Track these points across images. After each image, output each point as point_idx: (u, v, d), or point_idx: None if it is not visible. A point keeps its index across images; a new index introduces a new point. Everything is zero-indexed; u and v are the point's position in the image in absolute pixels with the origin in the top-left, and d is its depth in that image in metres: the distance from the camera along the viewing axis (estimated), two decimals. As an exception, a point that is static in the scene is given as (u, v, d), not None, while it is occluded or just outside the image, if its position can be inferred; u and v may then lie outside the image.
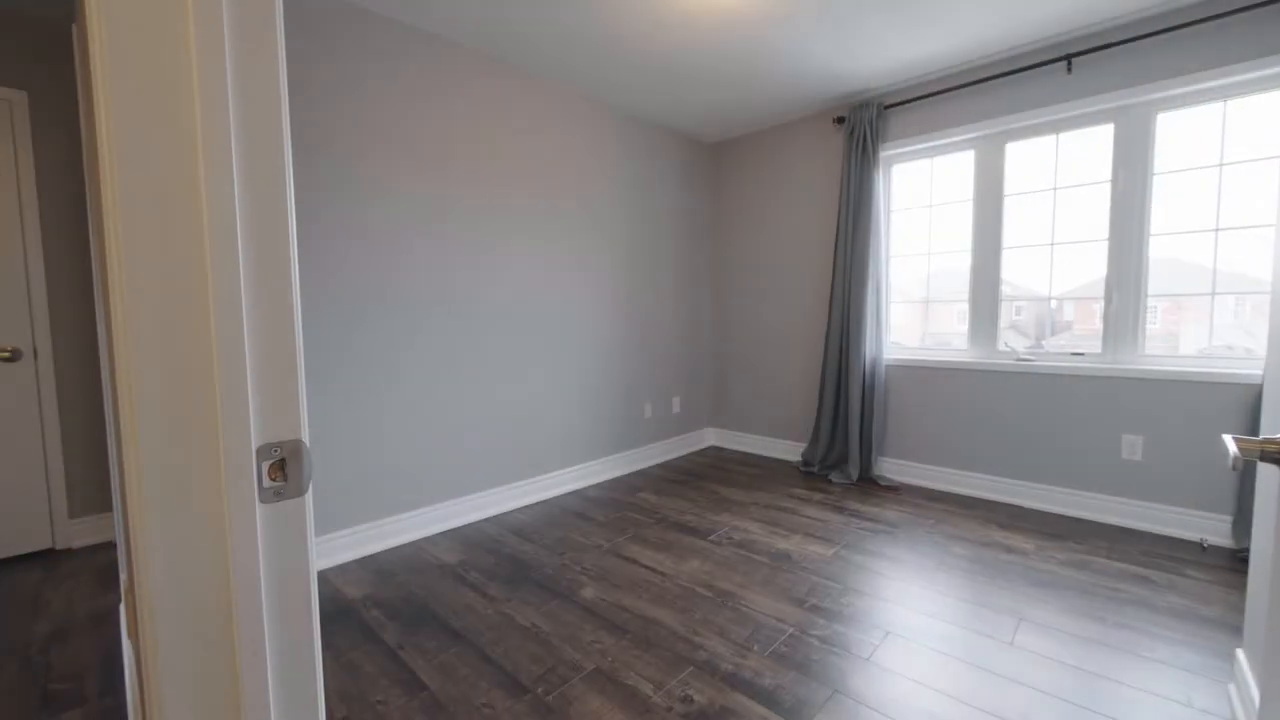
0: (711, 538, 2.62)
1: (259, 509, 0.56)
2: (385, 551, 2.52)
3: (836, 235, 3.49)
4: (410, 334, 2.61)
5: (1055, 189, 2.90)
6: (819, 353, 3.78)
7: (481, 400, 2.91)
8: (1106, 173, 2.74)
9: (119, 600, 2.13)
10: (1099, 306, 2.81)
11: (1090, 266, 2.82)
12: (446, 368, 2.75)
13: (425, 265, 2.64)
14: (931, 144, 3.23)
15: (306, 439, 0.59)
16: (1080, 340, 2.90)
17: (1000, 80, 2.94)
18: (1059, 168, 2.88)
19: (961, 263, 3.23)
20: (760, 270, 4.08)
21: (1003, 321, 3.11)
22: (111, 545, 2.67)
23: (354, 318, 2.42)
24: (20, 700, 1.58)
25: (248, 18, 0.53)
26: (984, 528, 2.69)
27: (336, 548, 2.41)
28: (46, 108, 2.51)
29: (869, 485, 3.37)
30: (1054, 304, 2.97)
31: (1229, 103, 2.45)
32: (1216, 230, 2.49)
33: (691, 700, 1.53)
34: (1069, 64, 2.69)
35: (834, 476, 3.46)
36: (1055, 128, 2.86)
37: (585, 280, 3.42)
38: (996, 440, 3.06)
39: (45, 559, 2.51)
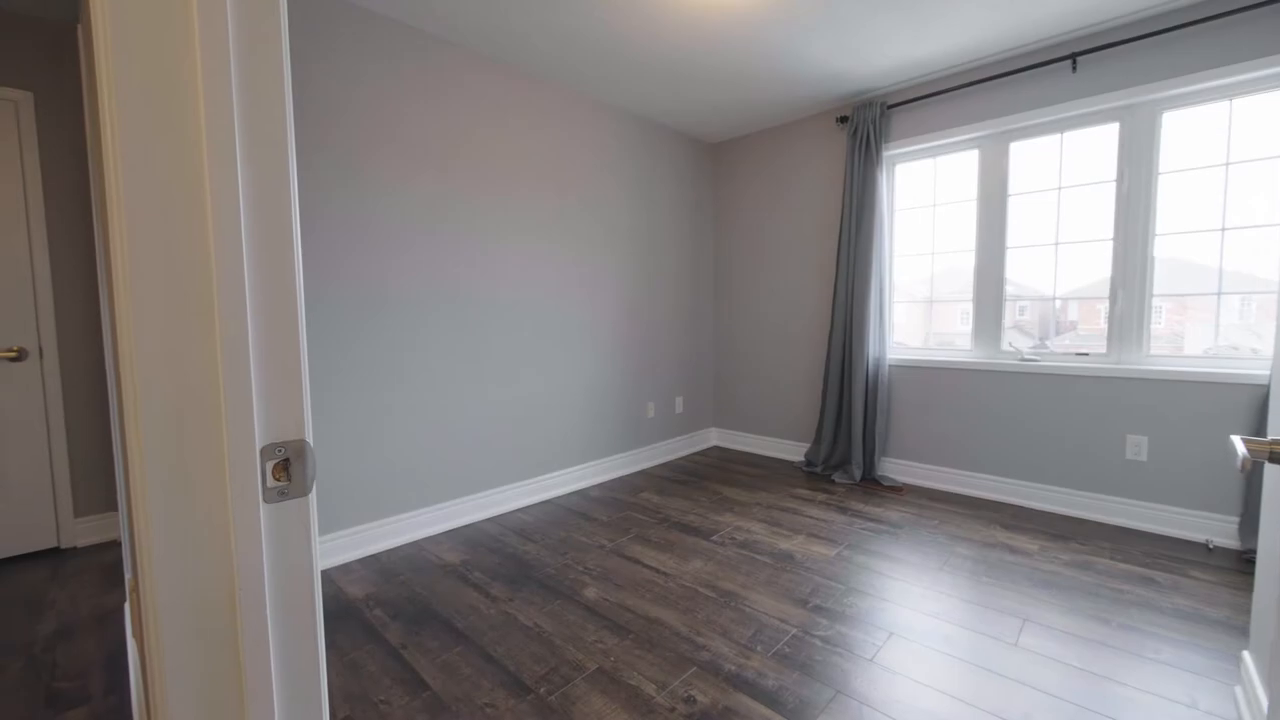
0: (714, 538, 2.61)
1: (263, 509, 0.56)
2: (388, 551, 2.52)
3: (840, 235, 3.48)
4: (412, 334, 2.61)
5: (1060, 188, 2.88)
6: (822, 352, 3.78)
7: (484, 400, 2.91)
8: (1111, 172, 2.73)
9: (124, 599, 2.14)
10: (1103, 306, 2.80)
11: (1095, 266, 2.81)
12: (449, 367, 2.75)
13: (427, 265, 2.64)
14: (935, 143, 3.22)
15: (310, 439, 0.59)
16: (1084, 340, 2.89)
17: (1004, 79, 2.93)
18: (1063, 167, 2.87)
19: (965, 262, 3.22)
20: (763, 270, 4.07)
21: (1006, 321, 3.10)
22: (116, 544, 2.68)
23: (356, 318, 2.43)
24: (26, 699, 1.59)
25: (252, 18, 0.53)
26: (988, 528, 2.68)
27: (339, 547, 2.41)
28: (52, 108, 2.52)
29: (872, 486, 3.36)
30: (1058, 304, 2.96)
31: (1234, 101, 2.44)
32: (1222, 230, 2.48)
33: (694, 701, 1.53)
34: (1074, 63, 2.67)
35: (837, 477, 3.45)
36: (1060, 127, 2.85)
37: (588, 280, 3.42)
38: (1000, 440, 3.05)
39: (51, 558, 2.52)
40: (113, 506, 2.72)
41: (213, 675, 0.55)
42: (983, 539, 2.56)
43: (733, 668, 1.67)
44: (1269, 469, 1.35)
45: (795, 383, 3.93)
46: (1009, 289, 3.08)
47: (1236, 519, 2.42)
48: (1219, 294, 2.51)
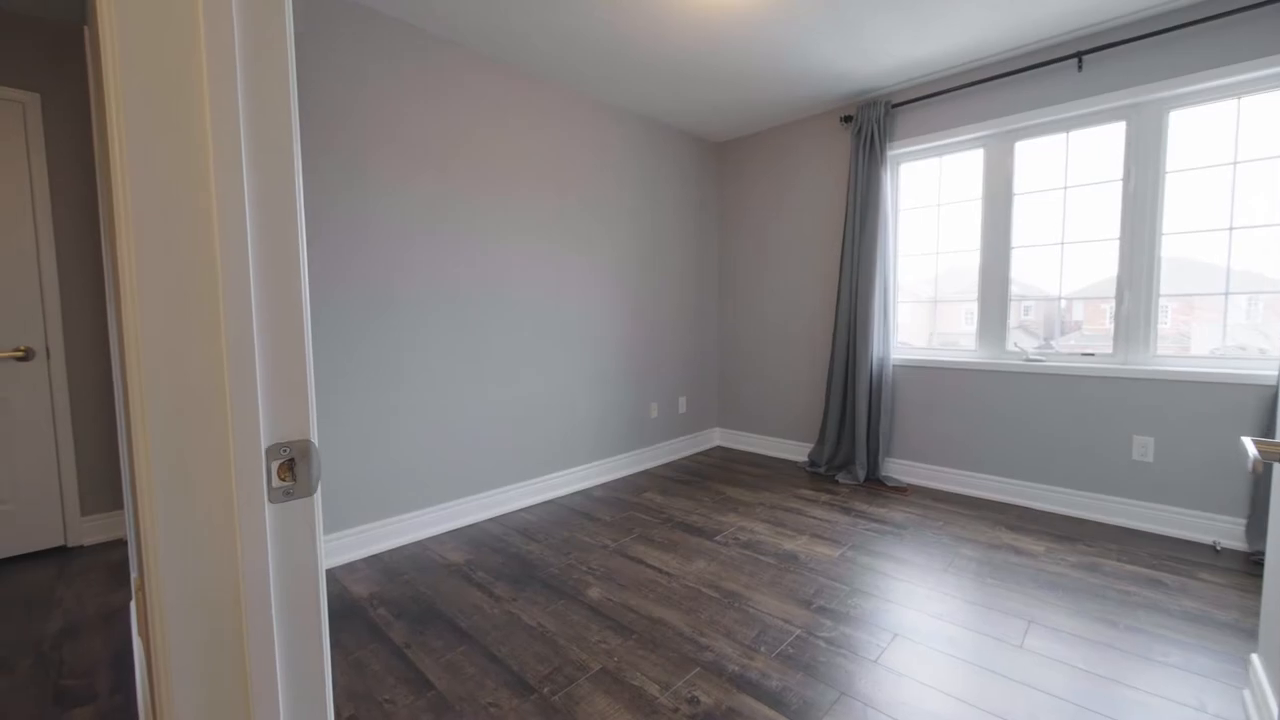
0: (718, 538, 2.61)
1: (268, 509, 0.56)
2: (392, 550, 2.53)
3: (844, 235, 3.47)
4: (416, 334, 2.61)
5: (1065, 188, 2.87)
6: (826, 353, 3.77)
7: (487, 400, 2.91)
8: (1118, 171, 2.71)
9: (130, 598, 2.15)
10: (1109, 306, 2.78)
11: (1101, 266, 2.79)
12: (452, 368, 2.76)
13: (431, 265, 2.65)
14: (940, 143, 3.21)
15: (315, 439, 0.59)
16: (1090, 340, 2.87)
17: (1010, 78, 2.92)
18: (1069, 166, 2.85)
19: (970, 262, 3.20)
20: (767, 269, 4.07)
21: (1011, 321, 3.08)
22: (122, 542, 2.70)
23: (361, 319, 2.43)
24: (34, 696, 1.60)
25: (257, 20, 0.53)
26: (992, 529, 2.67)
27: (344, 546, 2.42)
28: (59, 109, 2.54)
29: (876, 486, 3.35)
30: (1063, 304, 2.94)
31: (1242, 100, 2.42)
32: (1230, 229, 2.46)
33: (698, 701, 1.53)
34: (1080, 61, 2.66)
35: (841, 477, 3.44)
36: (1065, 126, 2.84)
37: (591, 280, 3.42)
38: (1005, 441, 3.04)
39: (57, 556, 2.53)
40: (119, 505, 2.74)
41: (218, 674, 0.55)
42: (988, 540, 2.54)
43: (736, 668, 1.66)
44: (1278, 470, 1.34)
45: (799, 382, 3.93)
46: (1014, 289, 3.07)
47: (1244, 521, 2.40)
48: (1226, 294, 2.49)
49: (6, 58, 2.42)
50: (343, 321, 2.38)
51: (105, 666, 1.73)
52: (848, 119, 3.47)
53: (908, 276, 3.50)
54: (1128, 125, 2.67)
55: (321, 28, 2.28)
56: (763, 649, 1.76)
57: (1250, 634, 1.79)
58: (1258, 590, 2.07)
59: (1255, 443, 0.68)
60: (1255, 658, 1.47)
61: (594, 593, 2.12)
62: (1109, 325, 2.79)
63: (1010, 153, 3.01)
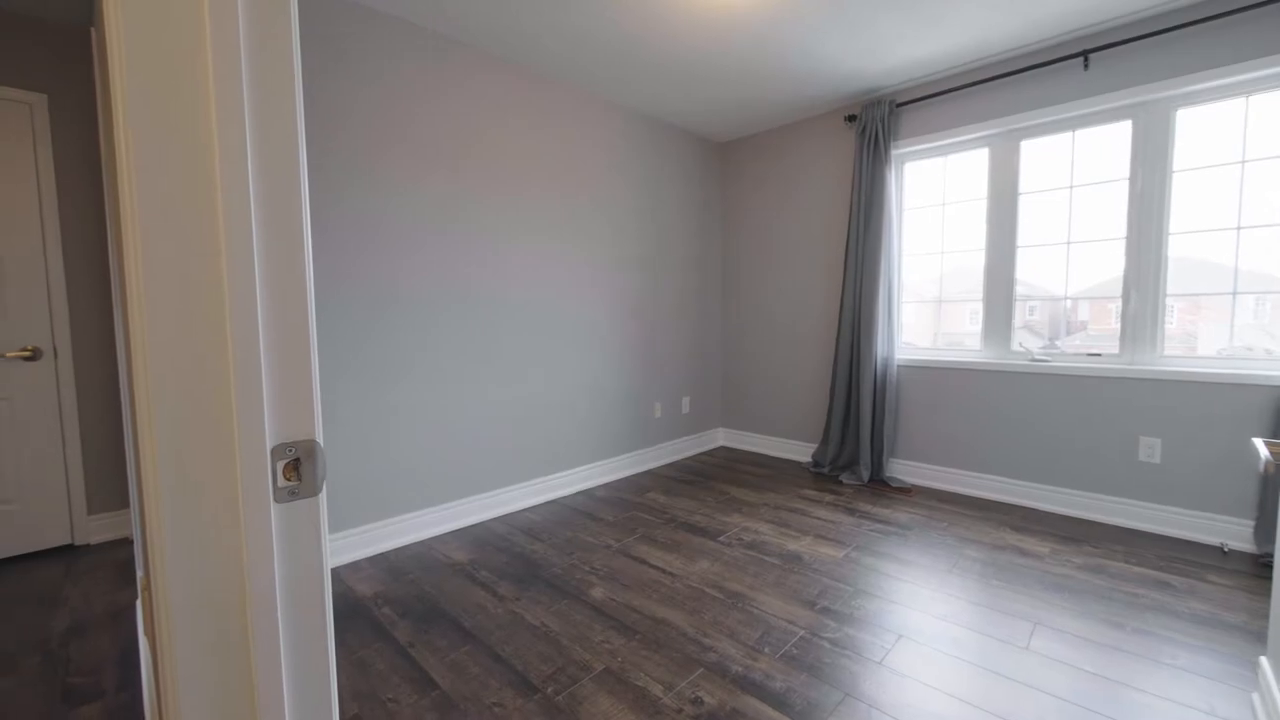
0: (721, 538, 2.61)
1: (273, 508, 0.56)
2: (396, 550, 2.53)
3: (848, 234, 3.46)
4: (422, 334, 2.62)
5: (1071, 187, 2.85)
6: (830, 353, 3.76)
7: (491, 399, 2.92)
8: (1124, 170, 2.69)
9: (136, 596, 2.16)
10: (1115, 306, 2.77)
11: (1107, 266, 2.77)
12: (458, 367, 2.76)
13: (435, 265, 2.65)
14: (945, 142, 3.19)
15: (321, 439, 0.59)
16: (1095, 340, 2.85)
17: (1015, 77, 2.90)
18: (1075, 165, 2.84)
19: (975, 262, 3.19)
20: (771, 269, 4.06)
21: (1016, 321, 3.07)
22: (129, 541, 2.71)
23: (367, 318, 2.44)
24: (41, 694, 1.61)
25: (263, 20, 0.53)
26: (998, 530, 2.65)
27: (349, 545, 2.43)
28: (66, 110, 2.56)
29: (880, 487, 3.34)
30: (1068, 304, 2.93)
31: (1251, 98, 2.40)
32: (1238, 228, 2.44)
33: (702, 702, 1.52)
34: (1086, 60, 2.64)
35: (845, 478, 3.43)
36: (1071, 125, 2.82)
37: (595, 279, 3.42)
38: (1010, 442, 3.02)
39: (64, 554, 2.55)
40: (125, 504, 2.75)
41: (224, 673, 0.55)
42: (992, 541, 2.53)
43: (740, 669, 1.66)
44: (1287, 472, 1.32)
45: (803, 383, 3.92)
46: (1019, 289, 3.05)
47: (1252, 522, 2.39)
48: (1234, 293, 2.47)
49: (14, 60, 2.43)
50: (349, 321, 2.39)
51: (112, 664, 1.74)
52: (852, 118, 3.46)
53: (912, 276, 3.48)
54: (1134, 124, 2.65)
55: (330, 28, 2.28)
56: (767, 650, 1.75)
57: (1259, 636, 1.78)
58: (1266, 592, 2.06)
59: (1267, 444, 0.68)
60: (1264, 660, 1.46)
61: (597, 593, 2.12)
62: (1115, 325, 2.77)
63: (1015, 152, 3.00)
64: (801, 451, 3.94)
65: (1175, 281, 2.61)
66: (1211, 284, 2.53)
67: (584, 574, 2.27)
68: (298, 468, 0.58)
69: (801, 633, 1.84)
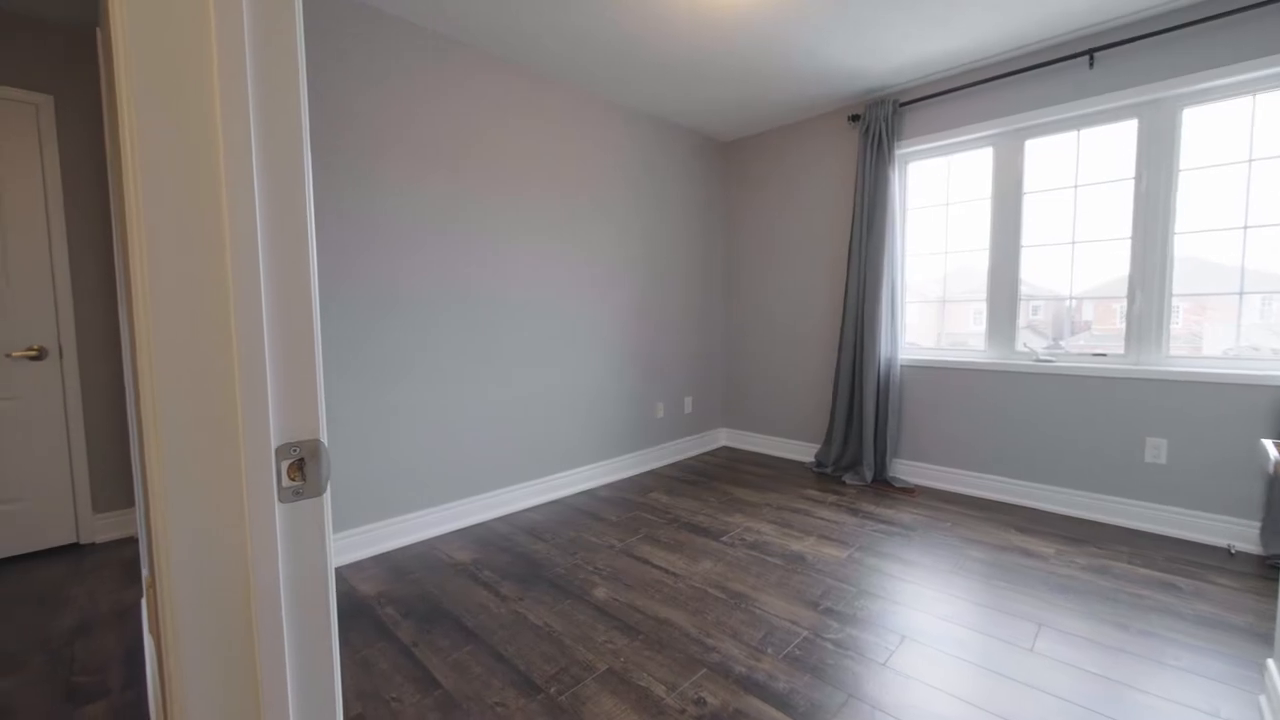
0: (724, 539, 2.60)
1: (278, 508, 0.56)
2: (399, 549, 2.54)
3: (851, 234, 3.46)
4: (423, 334, 2.62)
5: (1076, 186, 2.84)
6: (833, 353, 3.75)
7: (494, 400, 2.92)
8: (1130, 169, 2.68)
9: (141, 594, 2.17)
10: (1119, 306, 2.75)
11: (1112, 265, 2.76)
12: (459, 367, 2.77)
13: (438, 265, 2.66)
14: (949, 141, 3.18)
15: (325, 439, 0.60)
16: (1099, 340, 2.84)
17: (1020, 76, 2.89)
18: (1080, 165, 2.83)
19: (979, 262, 3.18)
20: (774, 269, 4.05)
21: (1020, 321, 3.06)
22: (134, 539, 2.72)
23: (367, 318, 2.44)
24: (47, 692, 1.62)
25: (267, 21, 0.53)
26: (1002, 531, 2.64)
27: (352, 545, 2.43)
28: (71, 110, 2.57)
29: (884, 487, 3.33)
30: (1072, 304, 2.91)
31: (1257, 97, 2.39)
32: (1245, 228, 2.43)
33: (705, 703, 1.52)
34: (1091, 59, 2.63)
35: (848, 478, 3.42)
36: (1076, 124, 2.81)
37: (598, 279, 3.42)
38: (1014, 442, 3.01)
39: (70, 553, 2.56)
40: (131, 503, 2.76)
41: (228, 672, 0.55)
42: (997, 542, 2.52)
43: (743, 670, 1.66)
44: (1295, 473, 1.31)
45: (805, 383, 3.91)
46: (1023, 289, 3.04)
47: (1259, 524, 2.37)
48: (1240, 293, 2.46)
49: (20, 61, 2.44)
50: (350, 321, 2.39)
51: (117, 663, 1.75)
52: (855, 118, 3.46)
53: (915, 276, 3.47)
54: (1140, 123, 2.64)
55: (332, 28, 2.29)
56: (770, 650, 1.75)
57: (1265, 639, 1.77)
58: (1273, 594, 2.04)
59: (1277, 445, 0.67)
60: (1271, 663, 1.45)
61: (600, 593, 2.12)
62: (1119, 325, 2.76)
63: (1020, 151, 2.99)
64: (804, 452, 3.93)
65: (1181, 281, 2.59)
66: (1218, 284, 2.51)
67: (587, 574, 2.27)
68: (302, 467, 0.58)
69: (805, 633, 1.84)
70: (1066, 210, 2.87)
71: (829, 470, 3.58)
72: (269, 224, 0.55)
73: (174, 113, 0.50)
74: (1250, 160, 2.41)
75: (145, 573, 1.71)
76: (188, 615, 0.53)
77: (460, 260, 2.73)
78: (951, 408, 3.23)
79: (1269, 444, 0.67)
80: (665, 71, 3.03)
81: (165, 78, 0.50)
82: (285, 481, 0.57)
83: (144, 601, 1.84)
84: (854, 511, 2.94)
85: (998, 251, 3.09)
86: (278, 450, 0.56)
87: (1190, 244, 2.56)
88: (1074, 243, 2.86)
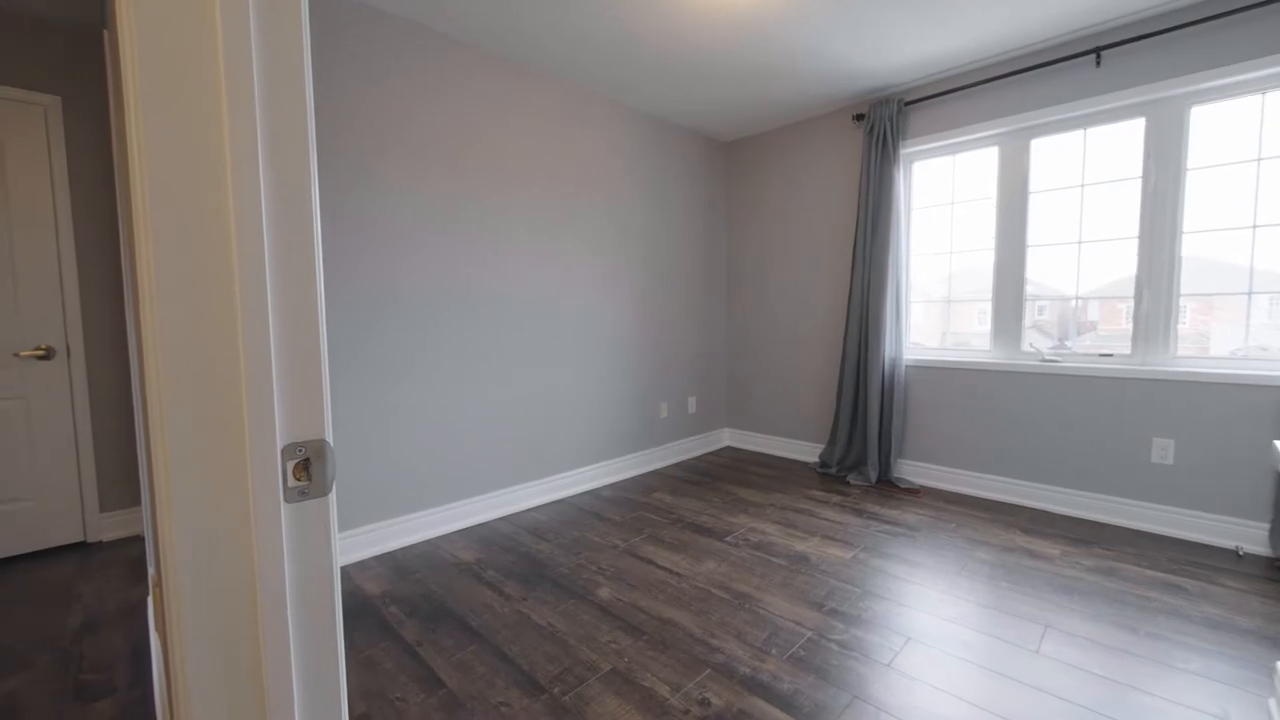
0: (728, 539, 2.60)
1: (284, 508, 0.56)
2: (403, 549, 2.55)
3: (855, 234, 3.45)
4: (426, 333, 2.63)
5: (1083, 185, 2.82)
6: (837, 353, 3.74)
7: (497, 399, 2.92)
8: (1137, 168, 2.66)
9: (147, 593, 2.18)
10: (1125, 306, 2.73)
11: (1118, 265, 2.74)
12: (461, 367, 2.77)
13: (442, 265, 2.66)
14: (954, 140, 3.17)
15: (330, 439, 0.60)
16: (1105, 340, 2.82)
17: (1025, 75, 2.87)
18: (1087, 164, 2.81)
19: (984, 261, 3.16)
20: (777, 269, 4.05)
21: (1025, 321, 3.04)
22: (141, 538, 2.74)
23: (368, 318, 2.45)
24: (54, 690, 1.63)
25: (274, 22, 0.54)
26: (1007, 532, 2.63)
27: (356, 544, 2.44)
28: (79, 111, 2.58)
29: (888, 487, 3.32)
30: (1078, 304, 2.90)
31: (1266, 95, 2.37)
32: (1253, 227, 2.41)
33: (709, 703, 1.52)
34: (1098, 57, 2.62)
35: (852, 478, 3.41)
36: (1083, 123, 2.79)
37: (599, 279, 3.42)
38: (1020, 443, 3.00)
39: (77, 551, 2.58)
40: (138, 501, 2.78)
41: (234, 671, 0.56)
42: (1002, 543, 2.51)
43: (747, 670, 1.66)
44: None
45: (809, 383, 3.90)
46: (1029, 288, 3.02)
47: (1267, 525, 2.35)
48: (1249, 293, 2.44)
49: (28, 62, 2.46)
50: (351, 321, 2.40)
51: (124, 661, 1.76)
52: (860, 117, 3.44)
53: (920, 276, 3.46)
54: (1147, 121, 2.62)
55: (332, 28, 2.29)
56: (774, 651, 1.75)
57: (1275, 641, 1.75)
58: (1282, 596, 2.03)
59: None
60: (1280, 666, 1.44)
61: (604, 593, 2.12)
62: (1125, 325, 2.74)
63: (1026, 150, 2.97)
64: (808, 452, 3.92)
65: (1188, 281, 2.57)
66: (1226, 283, 2.49)
67: (591, 574, 2.27)
68: (307, 468, 0.58)
69: (809, 634, 1.83)
70: (1073, 209, 2.86)
71: (833, 470, 3.58)
72: (275, 224, 0.55)
73: (181, 114, 0.50)
74: (1259, 159, 2.39)
75: (151, 571, 1.72)
76: (194, 614, 0.53)
77: (460, 260, 2.73)
78: (956, 408, 3.22)
79: (1280, 445, 0.67)
80: (666, 71, 3.03)
81: (172, 79, 0.50)
82: (291, 481, 0.57)
83: (150, 600, 1.85)
84: (858, 512, 2.93)
85: (1003, 251, 3.07)
86: (283, 450, 0.56)
87: (1198, 243, 2.54)
88: (1080, 242, 2.84)
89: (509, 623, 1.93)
